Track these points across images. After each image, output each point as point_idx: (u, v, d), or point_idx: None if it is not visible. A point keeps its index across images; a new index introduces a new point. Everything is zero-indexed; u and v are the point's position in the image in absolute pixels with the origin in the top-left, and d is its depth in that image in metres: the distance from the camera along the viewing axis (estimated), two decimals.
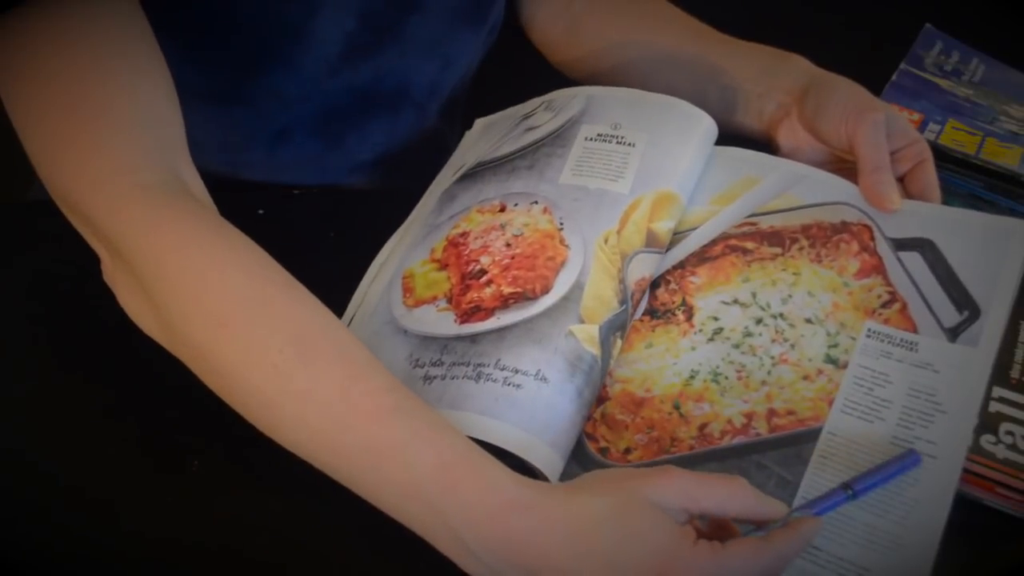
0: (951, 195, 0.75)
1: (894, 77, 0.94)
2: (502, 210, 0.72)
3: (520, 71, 0.98)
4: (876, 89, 0.75)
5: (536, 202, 0.72)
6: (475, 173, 0.77)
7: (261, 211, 0.79)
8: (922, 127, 0.88)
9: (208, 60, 0.74)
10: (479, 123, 0.84)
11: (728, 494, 0.53)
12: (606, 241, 0.68)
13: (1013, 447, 0.61)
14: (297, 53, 0.76)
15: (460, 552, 0.52)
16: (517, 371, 0.62)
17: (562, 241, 0.69)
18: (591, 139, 0.74)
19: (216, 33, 0.73)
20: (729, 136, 0.77)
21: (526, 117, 0.79)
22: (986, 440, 0.61)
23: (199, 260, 0.58)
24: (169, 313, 0.58)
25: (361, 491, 0.55)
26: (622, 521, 0.50)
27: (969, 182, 0.83)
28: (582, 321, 0.64)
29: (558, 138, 0.76)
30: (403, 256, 0.74)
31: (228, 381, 0.57)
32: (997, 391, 0.63)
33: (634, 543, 0.50)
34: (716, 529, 0.54)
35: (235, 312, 0.57)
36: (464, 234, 0.72)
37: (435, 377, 0.64)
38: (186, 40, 0.72)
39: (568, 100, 0.78)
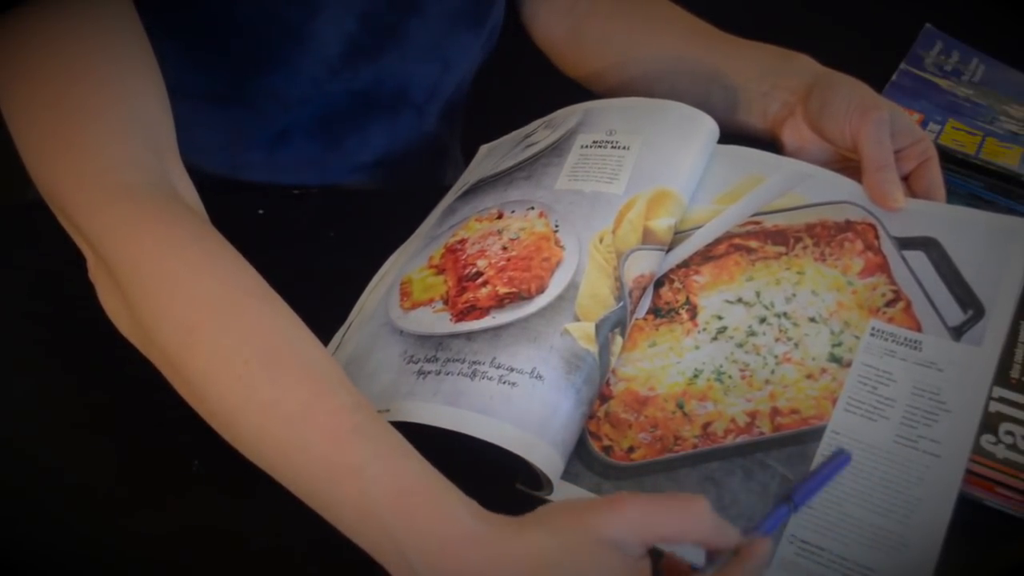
0: (951, 195, 0.75)
1: (894, 77, 0.94)
2: (499, 217, 0.72)
3: (521, 79, 0.98)
4: (876, 89, 0.75)
5: (532, 207, 0.72)
6: (475, 188, 0.77)
7: (261, 211, 0.79)
8: (922, 127, 0.87)
9: (208, 61, 0.74)
10: (484, 148, 0.85)
11: (688, 520, 0.51)
12: (601, 240, 0.68)
13: (1013, 447, 0.61)
14: (297, 55, 0.76)
15: None
16: (512, 369, 0.62)
17: (557, 242, 0.69)
18: (587, 146, 0.75)
19: (216, 35, 0.73)
20: (733, 135, 0.77)
21: (527, 136, 0.80)
22: (986, 440, 0.61)
23: (174, 264, 0.57)
24: (141, 315, 0.58)
25: (318, 508, 0.54)
26: (572, 561, 0.49)
27: (969, 182, 0.83)
28: (578, 319, 0.64)
29: (555, 149, 0.76)
30: (403, 266, 0.74)
31: (194, 388, 0.57)
32: (997, 391, 0.63)
33: None
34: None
35: (204, 320, 0.56)
36: (462, 241, 0.72)
37: (429, 372, 0.63)
38: (186, 41, 0.72)
39: (567, 116, 0.79)
